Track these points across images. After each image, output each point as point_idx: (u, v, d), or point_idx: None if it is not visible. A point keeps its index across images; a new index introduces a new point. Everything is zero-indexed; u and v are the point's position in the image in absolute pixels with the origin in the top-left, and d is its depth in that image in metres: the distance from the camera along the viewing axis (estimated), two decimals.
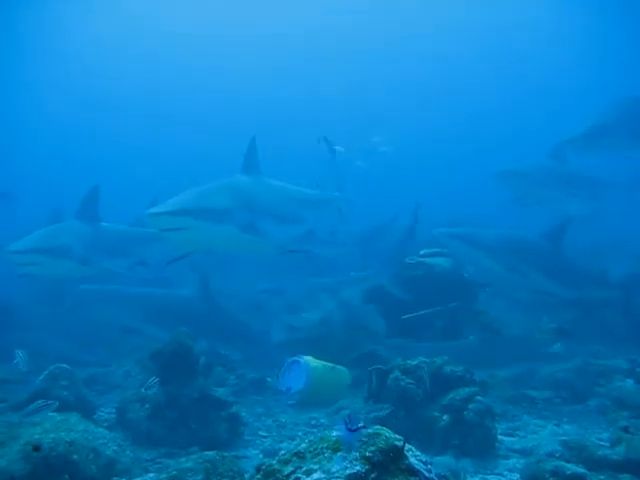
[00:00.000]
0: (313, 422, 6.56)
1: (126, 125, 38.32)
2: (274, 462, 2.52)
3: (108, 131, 38.30)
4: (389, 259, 10.20)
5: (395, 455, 2.45)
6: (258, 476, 2.52)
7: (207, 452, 3.96)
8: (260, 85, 37.81)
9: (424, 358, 5.98)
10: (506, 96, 36.90)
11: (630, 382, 7.06)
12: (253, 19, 33.91)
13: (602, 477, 4.46)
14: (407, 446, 2.55)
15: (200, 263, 10.04)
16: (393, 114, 33.56)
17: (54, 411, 5.35)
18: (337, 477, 2.31)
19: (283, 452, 2.60)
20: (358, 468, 2.35)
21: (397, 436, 2.53)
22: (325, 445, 2.49)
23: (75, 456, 4.25)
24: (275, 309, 10.37)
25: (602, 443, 5.11)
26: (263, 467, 2.54)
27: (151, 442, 5.71)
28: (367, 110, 34.06)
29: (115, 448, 4.65)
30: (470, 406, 5.35)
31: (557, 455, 4.93)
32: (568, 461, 4.74)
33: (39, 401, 4.95)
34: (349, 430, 2.40)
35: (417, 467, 2.49)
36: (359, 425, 2.41)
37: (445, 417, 5.39)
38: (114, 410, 6.50)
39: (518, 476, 4.71)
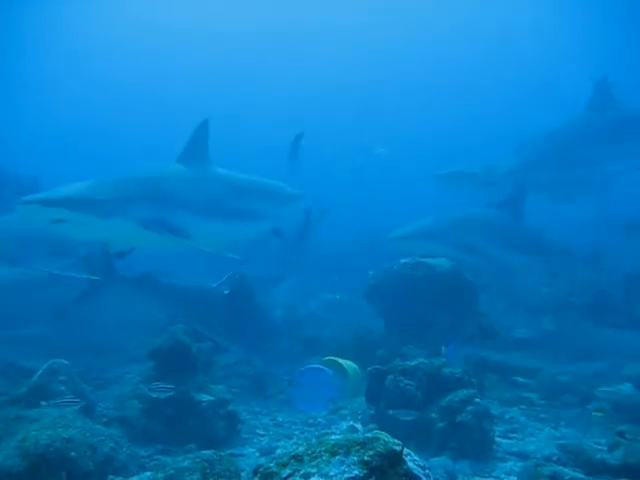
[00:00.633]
0: (310, 421, 6.56)
1: (127, 121, 38.29)
2: (272, 465, 2.51)
3: (110, 127, 38.26)
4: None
5: (394, 460, 2.44)
6: (255, 479, 2.51)
7: (204, 451, 3.94)
8: (260, 80, 37.72)
9: (423, 359, 5.98)
10: (507, 98, 36.83)
11: (628, 386, 7.04)
12: (253, 14, 33.81)
13: None
14: (405, 450, 2.54)
15: None
16: (392, 114, 33.63)
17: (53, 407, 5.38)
18: None
19: (281, 454, 2.58)
20: (356, 472, 2.34)
21: (396, 440, 2.51)
22: (323, 448, 2.48)
23: (72, 453, 4.23)
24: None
25: (600, 447, 5.10)
26: (260, 470, 2.52)
27: (148, 438, 5.71)
28: (367, 109, 34.08)
29: (112, 445, 4.63)
30: (468, 408, 5.34)
31: (555, 459, 4.92)
32: (566, 465, 4.75)
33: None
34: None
35: (415, 472, 2.48)
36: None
37: (443, 419, 5.38)
38: (112, 406, 6.51)
39: (515, 479, 4.71)
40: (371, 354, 7.40)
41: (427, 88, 37.67)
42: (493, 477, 4.91)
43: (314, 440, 2.60)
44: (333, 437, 2.55)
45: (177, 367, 6.29)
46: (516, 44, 33.33)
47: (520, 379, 7.29)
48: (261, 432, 6.32)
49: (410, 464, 2.49)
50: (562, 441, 5.39)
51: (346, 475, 2.32)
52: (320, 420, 6.53)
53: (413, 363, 5.86)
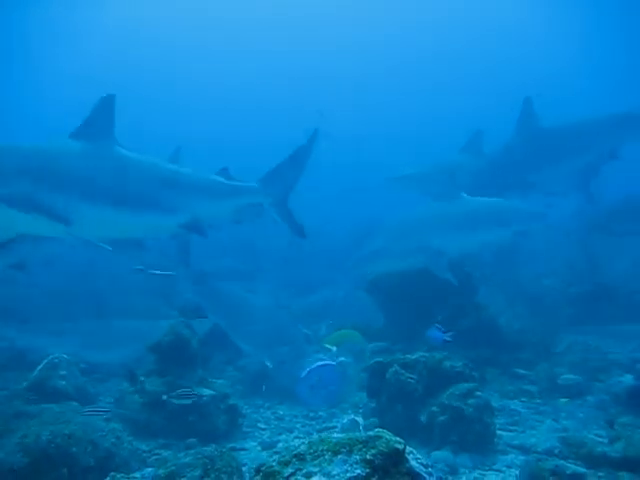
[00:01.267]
0: (312, 415, 6.57)
1: (130, 118, 38.08)
2: (274, 463, 2.49)
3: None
4: None
5: (396, 458, 2.42)
6: (257, 477, 2.49)
7: (205, 447, 3.95)
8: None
9: (423, 352, 5.98)
10: (500, 96, 36.67)
11: (629, 377, 7.04)
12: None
13: (601, 474, 4.46)
14: (408, 449, 2.53)
15: None
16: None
17: (52, 402, 5.39)
18: None
19: (283, 453, 2.57)
20: (359, 471, 2.32)
21: (398, 439, 2.50)
22: (326, 447, 2.46)
23: (74, 449, 4.23)
24: None
25: (600, 439, 5.11)
26: (262, 468, 2.51)
27: (149, 433, 5.71)
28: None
29: (113, 440, 4.63)
30: (469, 401, 5.34)
31: (556, 452, 4.93)
32: (567, 458, 4.75)
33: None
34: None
35: (418, 470, 2.46)
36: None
37: (444, 412, 5.38)
38: (113, 400, 6.51)
39: (516, 472, 4.70)
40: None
41: (416, 87, 37.54)
42: (494, 470, 4.91)
43: (316, 438, 2.58)
44: (335, 435, 2.53)
45: (177, 361, 6.30)
46: (504, 40, 33.23)
47: (521, 371, 7.30)
48: (262, 426, 6.33)
49: (413, 462, 2.47)
50: (563, 434, 5.39)
51: (349, 474, 2.31)
52: (321, 414, 6.55)
53: (414, 357, 5.86)
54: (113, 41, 33.81)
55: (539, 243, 11.67)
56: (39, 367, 6.28)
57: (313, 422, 6.35)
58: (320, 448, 2.47)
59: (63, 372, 6.31)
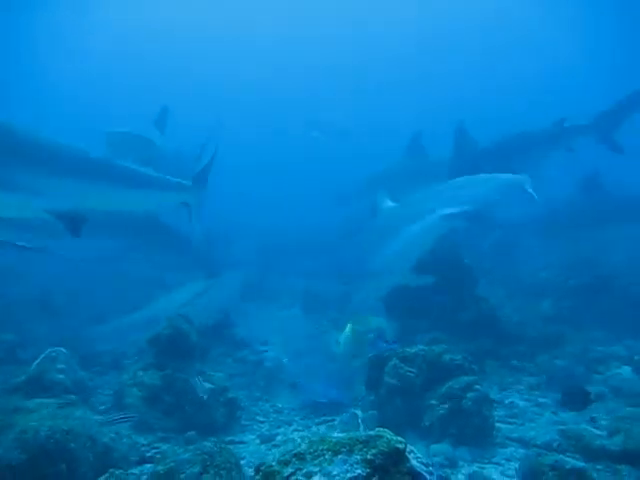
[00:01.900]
0: (310, 408, 6.54)
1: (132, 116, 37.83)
2: (274, 463, 2.48)
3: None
4: None
5: (397, 458, 2.41)
6: (257, 477, 2.48)
7: (205, 443, 3.93)
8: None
9: (423, 346, 5.96)
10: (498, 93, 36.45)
11: (627, 370, 7.04)
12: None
13: (600, 467, 4.47)
14: (408, 448, 2.51)
15: None
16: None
17: (52, 397, 5.36)
18: None
19: (283, 452, 2.55)
20: (359, 471, 2.31)
21: (399, 438, 2.48)
22: (326, 447, 2.45)
23: (72, 444, 4.21)
24: None
25: (599, 432, 5.11)
26: (262, 468, 2.49)
27: (148, 427, 5.69)
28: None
29: (112, 435, 4.62)
30: (468, 395, 5.33)
31: (555, 445, 4.93)
32: (565, 451, 4.76)
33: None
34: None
35: (419, 470, 2.45)
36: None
37: (443, 405, 5.37)
38: (111, 393, 6.50)
39: (515, 465, 4.71)
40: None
41: (409, 82, 37.28)
42: (493, 463, 4.92)
43: (316, 437, 2.56)
44: (335, 435, 2.52)
45: (176, 354, 6.28)
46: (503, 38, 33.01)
47: (519, 363, 7.29)
48: (261, 418, 6.32)
49: (413, 462, 2.46)
50: (562, 427, 5.39)
51: (349, 474, 2.29)
52: (320, 406, 6.52)
53: (413, 350, 5.84)
54: (120, 42, 33.47)
55: (534, 238, 11.61)
56: (37, 361, 6.23)
57: (312, 415, 6.34)
58: (320, 448, 2.46)
59: (61, 366, 6.26)
